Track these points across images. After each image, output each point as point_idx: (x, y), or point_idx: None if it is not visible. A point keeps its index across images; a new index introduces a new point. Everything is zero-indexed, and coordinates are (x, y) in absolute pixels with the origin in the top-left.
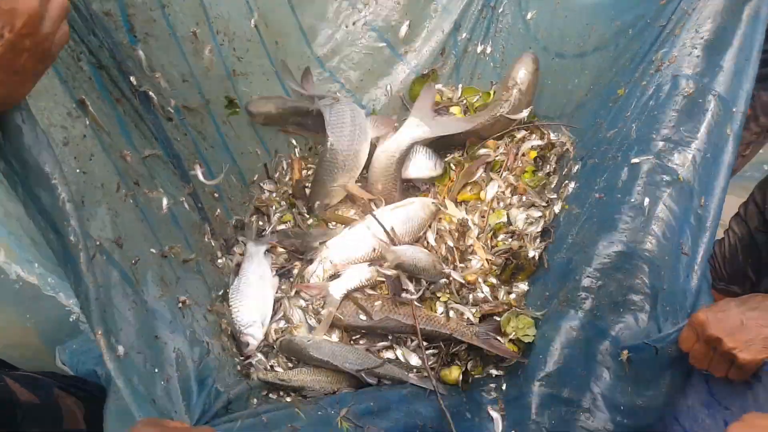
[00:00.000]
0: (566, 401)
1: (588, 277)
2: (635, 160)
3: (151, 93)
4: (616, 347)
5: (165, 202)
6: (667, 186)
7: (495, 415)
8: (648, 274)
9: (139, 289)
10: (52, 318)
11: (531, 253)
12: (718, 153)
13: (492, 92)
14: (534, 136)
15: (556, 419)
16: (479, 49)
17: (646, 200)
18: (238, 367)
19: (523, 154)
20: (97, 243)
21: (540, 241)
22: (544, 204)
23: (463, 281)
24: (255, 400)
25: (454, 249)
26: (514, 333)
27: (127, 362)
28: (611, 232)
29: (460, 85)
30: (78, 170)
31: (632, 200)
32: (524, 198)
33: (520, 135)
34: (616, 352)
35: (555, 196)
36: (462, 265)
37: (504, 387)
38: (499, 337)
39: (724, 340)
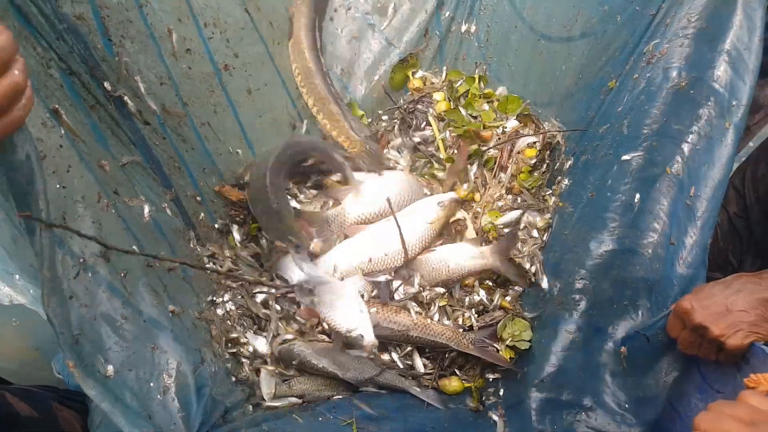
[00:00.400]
0: (567, 404)
1: (581, 279)
2: (626, 157)
3: (126, 98)
4: (613, 343)
5: (147, 209)
6: (655, 180)
7: (497, 419)
8: (639, 269)
9: (132, 301)
10: (48, 330)
11: (527, 266)
12: (713, 145)
13: (477, 77)
14: (528, 129)
15: (558, 423)
16: (463, 28)
17: (636, 196)
18: (233, 377)
19: (519, 152)
20: (81, 260)
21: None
22: (539, 207)
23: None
24: (250, 407)
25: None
26: (510, 339)
27: (117, 381)
28: (601, 232)
29: (445, 68)
30: (58, 185)
31: (622, 198)
32: (519, 200)
33: (510, 124)
34: (614, 348)
35: (549, 191)
36: None
37: (502, 392)
38: (495, 344)
39: (710, 328)
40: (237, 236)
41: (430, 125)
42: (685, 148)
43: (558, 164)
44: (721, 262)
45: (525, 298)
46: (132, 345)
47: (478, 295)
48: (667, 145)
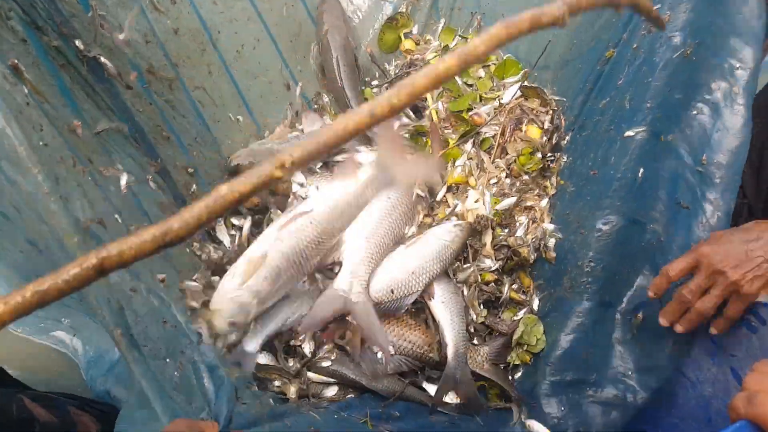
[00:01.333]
0: (571, 383)
1: (589, 262)
2: (629, 133)
3: (103, 59)
4: (622, 314)
5: (124, 180)
6: (659, 152)
7: (514, 408)
8: (650, 238)
9: (135, 272)
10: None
11: (532, 255)
12: (721, 112)
13: (471, 36)
14: (527, 101)
15: (566, 403)
16: None
17: (640, 170)
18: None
19: (520, 129)
20: (84, 227)
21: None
22: (540, 192)
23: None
24: (255, 388)
25: (469, 246)
26: (525, 343)
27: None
28: (606, 210)
29: (442, 21)
30: (41, 143)
31: (627, 175)
32: (518, 184)
33: (509, 95)
34: (623, 319)
35: (548, 172)
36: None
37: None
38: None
39: (728, 273)
40: (247, 225)
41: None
42: (691, 117)
43: (556, 139)
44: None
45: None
46: (145, 320)
47: (486, 287)
48: (671, 116)
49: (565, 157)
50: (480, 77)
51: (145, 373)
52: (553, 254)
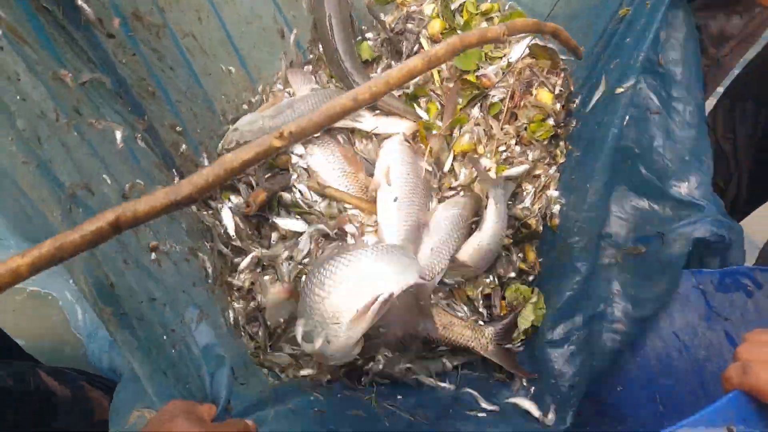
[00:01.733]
0: (568, 337)
1: (582, 221)
2: (619, 90)
3: (80, 2)
4: (618, 248)
5: (119, 134)
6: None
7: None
8: (639, 185)
9: (125, 241)
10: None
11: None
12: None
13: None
14: (537, 61)
15: (562, 360)
16: None
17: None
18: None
19: (530, 93)
20: (69, 192)
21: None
22: (550, 160)
23: None
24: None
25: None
26: (531, 320)
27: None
28: (598, 169)
29: None
30: (18, 97)
31: (614, 131)
32: (528, 152)
33: (516, 53)
34: (616, 254)
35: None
36: None
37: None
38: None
39: None
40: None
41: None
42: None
43: (564, 102)
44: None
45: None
46: (136, 294)
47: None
48: (655, 72)
49: (574, 121)
50: None
51: (135, 353)
52: (557, 221)
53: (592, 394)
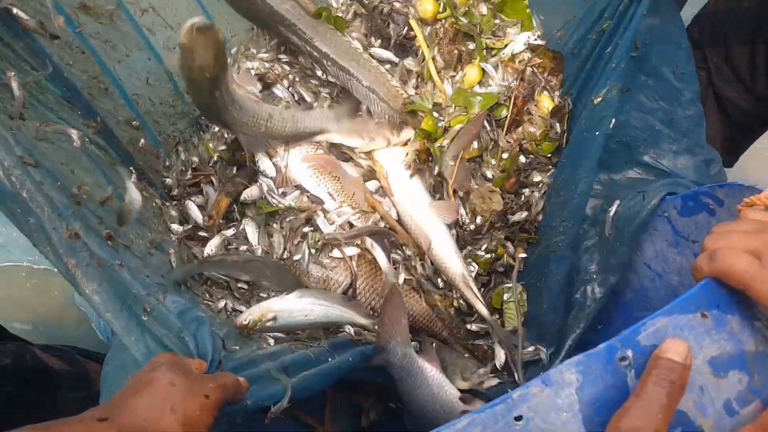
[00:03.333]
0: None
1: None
2: (597, 100)
3: (16, 10)
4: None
5: (75, 134)
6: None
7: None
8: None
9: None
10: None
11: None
12: None
13: None
14: (542, 65)
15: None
16: None
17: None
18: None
19: (533, 99)
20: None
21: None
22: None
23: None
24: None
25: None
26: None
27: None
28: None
29: None
30: None
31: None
32: (530, 161)
33: (519, 45)
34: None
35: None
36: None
37: None
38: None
39: None
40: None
41: (413, 33)
42: None
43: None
44: None
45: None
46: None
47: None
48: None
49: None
50: (482, 14)
51: (111, 311)
52: (540, 218)
53: None
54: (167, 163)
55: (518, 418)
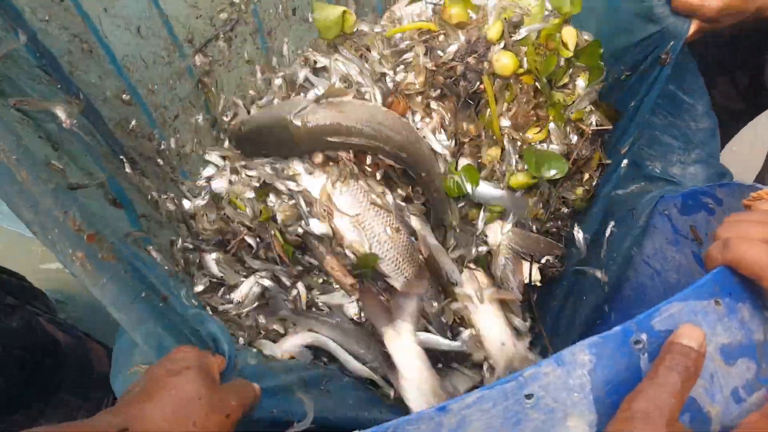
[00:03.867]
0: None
1: None
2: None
3: None
4: None
5: (61, 113)
6: None
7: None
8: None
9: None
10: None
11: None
12: None
13: None
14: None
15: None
16: None
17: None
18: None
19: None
20: None
21: None
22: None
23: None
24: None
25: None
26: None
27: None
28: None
29: None
30: None
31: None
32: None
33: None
34: None
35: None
36: None
37: None
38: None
39: None
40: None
41: (484, 90)
42: None
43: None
44: None
45: None
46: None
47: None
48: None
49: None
50: (560, 66)
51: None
52: None
53: None
54: (161, 147)
55: (529, 396)
